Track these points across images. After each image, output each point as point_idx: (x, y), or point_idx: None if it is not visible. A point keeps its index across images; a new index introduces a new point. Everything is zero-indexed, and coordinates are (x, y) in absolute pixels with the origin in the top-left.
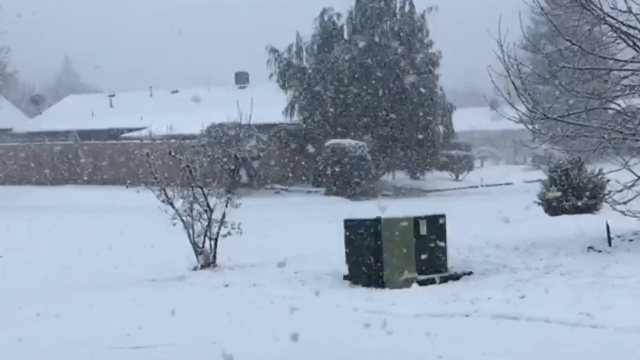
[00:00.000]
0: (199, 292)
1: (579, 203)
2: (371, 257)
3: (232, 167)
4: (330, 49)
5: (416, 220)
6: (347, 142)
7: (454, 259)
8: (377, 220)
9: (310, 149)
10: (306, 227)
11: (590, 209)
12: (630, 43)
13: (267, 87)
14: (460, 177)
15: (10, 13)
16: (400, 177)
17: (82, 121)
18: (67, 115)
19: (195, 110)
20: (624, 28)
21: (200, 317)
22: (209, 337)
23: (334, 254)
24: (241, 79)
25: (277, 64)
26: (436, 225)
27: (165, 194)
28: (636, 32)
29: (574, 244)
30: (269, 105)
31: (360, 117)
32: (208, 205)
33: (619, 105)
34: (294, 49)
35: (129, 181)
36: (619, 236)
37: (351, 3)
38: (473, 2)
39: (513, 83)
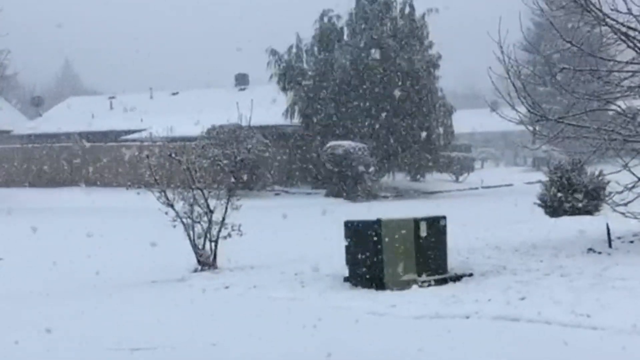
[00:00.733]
0: (199, 293)
1: (579, 204)
2: (371, 258)
3: (232, 168)
4: (330, 50)
5: (416, 222)
6: (347, 143)
7: (454, 261)
8: (378, 222)
9: (310, 150)
10: (306, 228)
11: (590, 210)
12: (631, 44)
13: (267, 89)
14: (461, 178)
15: (10, 15)
16: (401, 178)
17: (82, 123)
18: (67, 117)
19: (195, 111)
20: (624, 29)
21: (200, 318)
22: (209, 339)
23: (335, 256)
24: (241, 80)
25: (277, 66)
26: (436, 226)
27: (166, 196)
28: (636, 33)
29: (574, 245)
30: (269, 106)
31: (360, 119)
32: (208, 207)
33: (619, 107)
34: (294, 50)
35: (129, 183)
36: (619, 238)
37: (351, 5)
38: (473, 3)
39: (513, 84)
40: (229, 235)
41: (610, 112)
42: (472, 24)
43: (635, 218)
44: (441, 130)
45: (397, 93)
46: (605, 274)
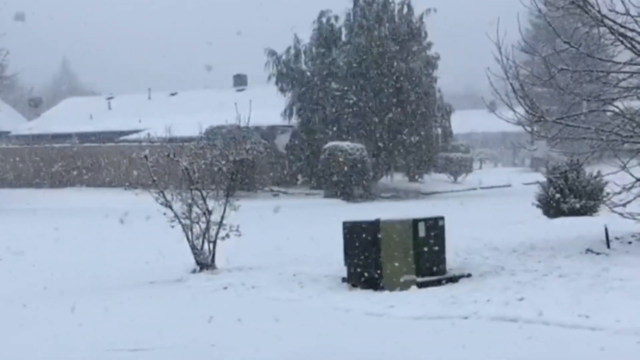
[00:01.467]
0: (198, 294)
1: (578, 205)
2: (370, 259)
3: (231, 169)
4: (328, 51)
5: (415, 223)
6: (345, 144)
7: (453, 261)
8: (376, 223)
9: (309, 151)
10: (305, 229)
11: (588, 211)
12: (629, 45)
13: (266, 90)
14: (459, 179)
15: (8, 15)
16: (399, 179)
17: (80, 124)
18: (65, 117)
19: (193, 112)
20: (622, 30)
21: (198, 319)
22: (207, 340)
23: (333, 256)
24: (239, 81)
25: (276, 66)
26: (435, 227)
27: (164, 197)
28: (634, 34)
29: (572, 246)
30: (268, 107)
31: (358, 120)
32: (207, 208)
33: (617, 108)
34: (292, 51)
35: (127, 183)
36: (617, 238)
37: (349, 5)
38: (471, 4)
39: (511, 85)
40: (228, 235)
41: (609, 113)
42: (470, 25)
43: (634, 219)
44: (439, 130)
45: (395, 94)
46: (604, 274)
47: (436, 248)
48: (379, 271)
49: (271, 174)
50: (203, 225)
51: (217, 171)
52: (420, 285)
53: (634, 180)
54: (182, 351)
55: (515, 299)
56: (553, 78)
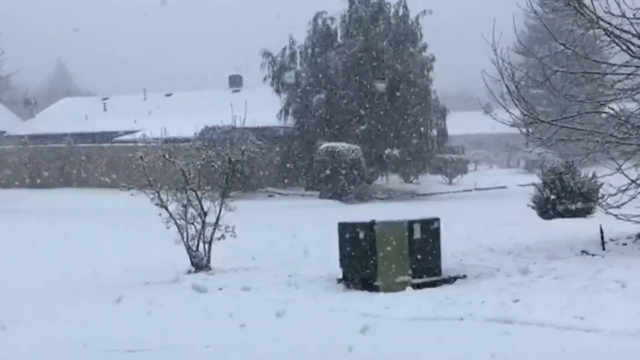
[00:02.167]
0: (193, 295)
1: (573, 207)
2: (365, 260)
3: (226, 170)
4: (323, 52)
5: (410, 224)
6: (340, 145)
7: (448, 263)
8: (372, 224)
9: (304, 152)
10: (300, 230)
11: (583, 212)
12: (624, 47)
13: (261, 91)
14: (454, 180)
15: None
16: (394, 180)
17: (75, 124)
18: (60, 118)
19: (189, 113)
20: (618, 32)
21: (193, 320)
22: (203, 341)
23: (328, 258)
24: (235, 82)
25: (271, 68)
26: (430, 228)
27: (160, 197)
28: (629, 35)
29: (567, 247)
30: (263, 108)
31: (353, 121)
32: (202, 208)
33: (613, 109)
34: (288, 52)
35: (122, 184)
36: (612, 240)
37: (345, 6)
38: (467, 5)
39: (507, 87)
40: (223, 236)
41: (604, 115)
42: (466, 27)
43: (629, 220)
44: (435, 132)
45: (391, 95)
46: (599, 276)
47: (431, 249)
48: (374, 272)
49: (267, 174)
50: (198, 226)
51: (213, 172)
52: (416, 286)
53: (628, 182)
54: (178, 352)
55: (510, 300)
56: (548, 80)
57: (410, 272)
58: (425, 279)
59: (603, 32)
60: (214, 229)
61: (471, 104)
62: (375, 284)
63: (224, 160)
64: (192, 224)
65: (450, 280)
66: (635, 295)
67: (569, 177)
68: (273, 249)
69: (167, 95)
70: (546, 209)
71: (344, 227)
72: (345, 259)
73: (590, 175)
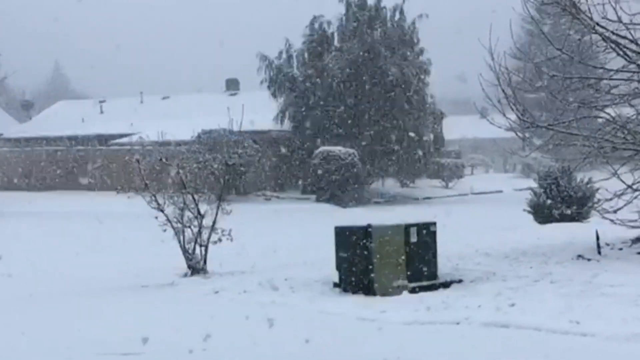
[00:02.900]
0: (189, 298)
1: (569, 211)
2: (361, 264)
3: (223, 173)
4: (320, 56)
5: (407, 228)
6: (337, 149)
7: (445, 267)
8: (368, 228)
9: (301, 156)
10: (296, 234)
11: (579, 217)
12: (620, 52)
13: (258, 94)
14: (450, 184)
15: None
16: (391, 184)
17: (72, 127)
18: (57, 121)
19: (186, 116)
20: (614, 37)
21: (189, 323)
22: (199, 344)
23: (325, 261)
24: (232, 85)
25: (268, 71)
26: (426, 232)
27: (156, 200)
28: (626, 41)
29: (563, 252)
30: (260, 112)
31: (350, 125)
32: (199, 212)
33: (609, 114)
34: (284, 56)
35: (119, 187)
36: (608, 244)
37: (342, 10)
38: (464, 10)
39: (503, 91)
40: (220, 240)
41: (600, 120)
42: (463, 31)
43: (624, 225)
44: (431, 136)
45: (387, 99)
46: (595, 280)
47: (428, 253)
48: (370, 276)
49: (263, 177)
50: (195, 229)
51: (209, 175)
52: (412, 290)
53: (624, 186)
54: (173, 355)
55: (506, 304)
56: (545, 84)
57: (406, 276)
58: (421, 283)
59: (600, 38)
60: (211, 232)
61: (468, 108)
62: (372, 288)
63: (220, 164)
64: (189, 227)
65: (446, 284)
66: (630, 299)
67: (565, 182)
68: (269, 253)
69: (164, 98)
70: (542, 213)
71: (340, 231)
72: (341, 263)
73: (586, 180)
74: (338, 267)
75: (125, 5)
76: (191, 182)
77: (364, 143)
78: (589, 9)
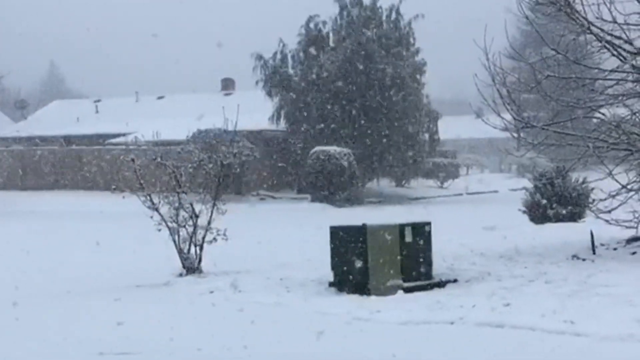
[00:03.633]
0: (184, 298)
1: (564, 211)
2: (357, 264)
3: (218, 173)
4: (316, 56)
5: (401, 228)
6: (332, 149)
7: (439, 267)
8: (363, 228)
9: (296, 156)
10: (292, 234)
11: (574, 217)
12: (615, 52)
13: (253, 94)
14: (446, 184)
15: None
16: (386, 184)
17: (67, 127)
18: (52, 120)
19: (181, 116)
20: (609, 37)
21: (184, 323)
22: (194, 344)
23: (320, 261)
24: (227, 85)
25: (263, 71)
26: (421, 232)
27: (151, 200)
28: (621, 41)
29: (558, 252)
30: (255, 112)
31: (345, 125)
32: (194, 212)
33: (604, 115)
34: (279, 56)
35: (114, 187)
36: (603, 244)
37: (336, 10)
38: (460, 10)
39: (499, 92)
40: (215, 239)
41: (595, 120)
42: (458, 31)
43: (619, 225)
44: (426, 136)
45: (383, 99)
46: (589, 280)
47: (423, 253)
48: (365, 276)
49: (258, 177)
50: (190, 229)
51: (205, 175)
52: (407, 290)
53: (619, 186)
54: (168, 355)
55: (501, 304)
56: (540, 85)
57: (401, 275)
58: (416, 283)
59: (594, 38)
60: (206, 232)
61: (463, 108)
62: (367, 287)
63: (215, 163)
64: (184, 226)
65: (441, 284)
66: (625, 299)
67: (560, 182)
68: (264, 252)
69: (159, 98)
70: (537, 213)
71: (335, 231)
72: (336, 263)
73: (581, 180)
74: (333, 267)
75: (121, 5)
76: (186, 182)
77: (359, 143)
78: (583, 9)
